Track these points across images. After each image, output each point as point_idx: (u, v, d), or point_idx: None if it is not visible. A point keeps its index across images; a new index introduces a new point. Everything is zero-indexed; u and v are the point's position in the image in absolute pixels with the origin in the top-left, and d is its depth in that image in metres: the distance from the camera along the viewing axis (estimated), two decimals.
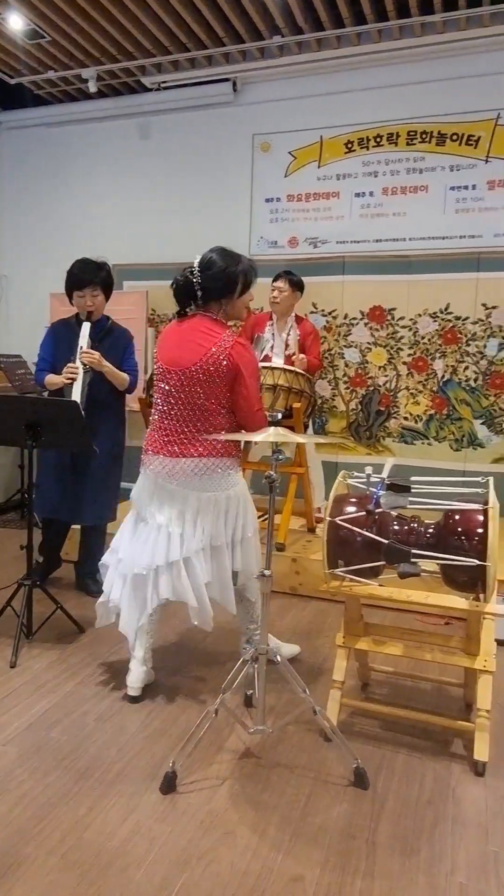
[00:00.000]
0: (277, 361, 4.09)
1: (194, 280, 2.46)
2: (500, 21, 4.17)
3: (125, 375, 3.41)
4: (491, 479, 2.29)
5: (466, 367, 4.50)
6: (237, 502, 2.54)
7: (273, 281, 4.14)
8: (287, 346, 4.12)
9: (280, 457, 2.15)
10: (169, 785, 2.05)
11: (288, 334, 4.13)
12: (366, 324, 4.69)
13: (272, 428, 2.15)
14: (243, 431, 2.52)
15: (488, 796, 2.07)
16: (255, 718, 2.18)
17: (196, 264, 2.48)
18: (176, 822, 1.92)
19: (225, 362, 2.41)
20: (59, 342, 3.40)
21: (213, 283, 2.45)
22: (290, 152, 4.97)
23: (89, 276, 3.30)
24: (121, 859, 1.78)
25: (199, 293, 2.47)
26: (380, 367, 4.70)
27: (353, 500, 2.33)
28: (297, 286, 4.14)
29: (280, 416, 2.18)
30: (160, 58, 4.82)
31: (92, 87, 5.02)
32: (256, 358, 2.57)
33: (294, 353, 4.07)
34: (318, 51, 4.62)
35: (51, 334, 3.49)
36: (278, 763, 2.21)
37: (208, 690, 2.65)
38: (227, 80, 4.97)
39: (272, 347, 4.15)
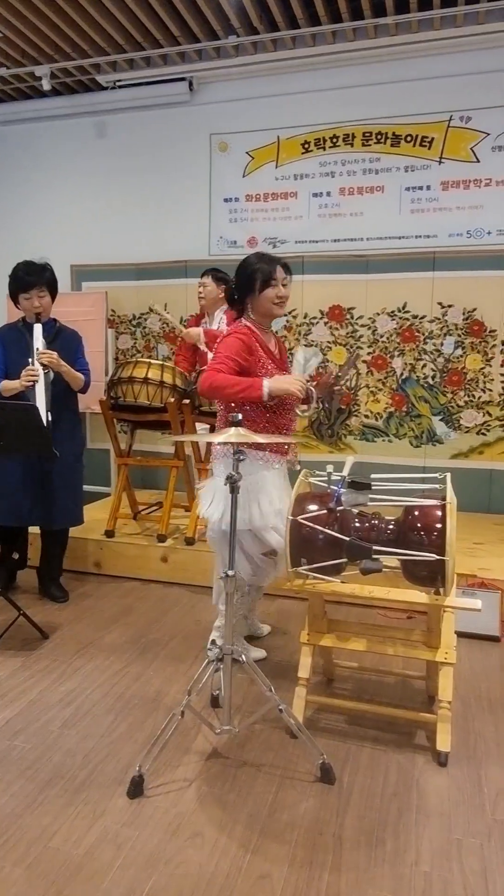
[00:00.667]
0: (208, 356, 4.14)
1: (232, 285, 2.73)
2: (450, 24, 4.26)
3: (81, 375, 3.40)
4: (448, 475, 2.33)
5: (424, 365, 4.57)
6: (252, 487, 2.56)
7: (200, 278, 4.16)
8: None
9: (241, 457, 2.15)
10: (136, 789, 2.04)
11: (218, 327, 4.18)
12: (325, 323, 4.73)
13: (233, 428, 2.16)
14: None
15: (451, 786, 2.11)
16: (222, 719, 2.18)
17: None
18: (143, 827, 1.91)
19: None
20: (9, 347, 3.35)
21: (238, 282, 2.69)
22: (247, 152, 4.98)
23: (35, 278, 3.27)
24: (88, 866, 1.77)
25: (235, 295, 2.71)
26: (340, 366, 4.74)
27: (315, 498, 2.35)
28: (222, 281, 4.17)
29: (240, 416, 2.19)
30: (115, 56, 4.78)
31: (45, 85, 4.95)
32: (231, 343, 2.58)
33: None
34: (274, 51, 4.64)
35: None
36: (245, 762, 2.21)
37: (174, 693, 2.64)
38: (183, 79, 4.96)
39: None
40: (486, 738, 2.36)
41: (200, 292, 4.14)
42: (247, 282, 2.63)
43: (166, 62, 4.92)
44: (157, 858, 1.80)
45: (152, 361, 3.87)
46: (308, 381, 2.70)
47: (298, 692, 2.39)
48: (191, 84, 4.98)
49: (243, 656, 2.16)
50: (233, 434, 2.16)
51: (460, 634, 2.91)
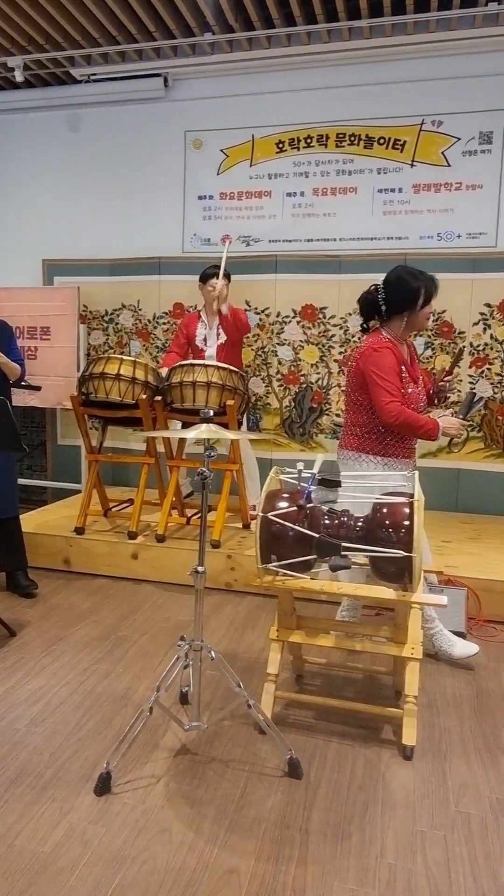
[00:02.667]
0: (211, 352, 4.16)
1: (379, 297, 2.76)
2: (423, 29, 4.30)
3: (17, 365, 3.42)
4: (416, 472, 2.36)
5: None
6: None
7: (209, 279, 4.16)
8: (219, 335, 4.19)
9: (212, 453, 2.16)
10: (103, 786, 2.03)
11: (219, 325, 4.19)
12: (298, 322, 4.76)
13: (204, 425, 2.16)
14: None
15: (416, 779, 2.14)
16: (191, 715, 2.19)
17: (381, 282, 2.79)
18: (111, 823, 1.90)
19: (354, 364, 2.80)
20: None
21: (397, 296, 2.72)
22: (222, 150, 4.98)
23: None
24: (53, 864, 1.76)
25: (384, 307, 2.75)
26: (312, 365, 4.77)
27: (285, 495, 2.37)
28: (227, 277, 4.19)
29: (212, 412, 2.19)
30: (90, 50, 4.74)
31: (18, 77, 4.88)
32: (388, 362, 2.71)
33: (226, 340, 4.19)
34: (249, 50, 4.65)
35: None
36: (214, 758, 2.22)
37: (143, 690, 2.63)
38: (158, 75, 4.94)
39: (205, 340, 4.20)
40: (450, 733, 2.40)
41: (213, 290, 4.11)
42: (409, 297, 2.71)
43: (141, 57, 4.89)
44: (123, 855, 1.79)
45: (124, 358, 3.85)
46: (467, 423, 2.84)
47: (267, 688, 2.40)
48: (166, 80, 4.97)
49: (212, 652, 2.17)
50: (204, 430, 2.16)
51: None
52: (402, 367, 2.76)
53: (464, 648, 2.86)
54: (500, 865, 1.80)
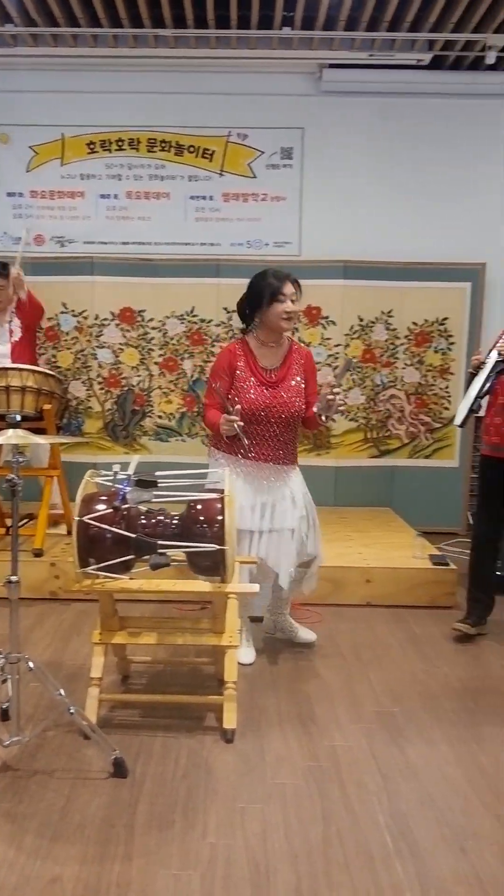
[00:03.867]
0: (5, 349, 4.01)
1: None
2: (225, 45, 4.48)
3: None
4: (228, 469, 2.48)
5: None
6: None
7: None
8: (12, 332, 4.07)
9: (21, 459, 2.11)
10: None
11: (10, 322, 4.06)
12: (117, 325, 4.74)
13: (10, 430, 2.11)
14: None
15: (237, 760, 2.26)
16: (11, 730, 2.12)
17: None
18: None
19: None
20: None
21: (249, 298, 2.84)
22: (31, 147, 4.81)
23: None
24: None
25: (246, 310, 2.87)
26: (133, 368, 4.78)
27: (102, 498, 2.38)
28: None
29: (18, 417, 2.14)
30: None
31: None
32: (219, 365, 2.86)
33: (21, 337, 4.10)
34: (55, 46, 4.54)
35: None
36: (37, 771, 2.17)
37: None
38: None
39: None
40: (268, 712, 2.55)
41: (5, 287, 3.97)
42: (255, 297, 2.79)
43: None
44: None
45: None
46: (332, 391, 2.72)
47: (91, 692, 2.39)
48: None
49: (31, 662, 2.12)
50: (11, 436, 2.11)
51: (253, 619, 3.12)
52: (239, 369, 2.82)
53: (305, 634, 3.13)
54: (311, 826, 1.96)
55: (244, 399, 2.80)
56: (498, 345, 3.00)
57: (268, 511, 2.84)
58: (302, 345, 3.10)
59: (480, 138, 4.81)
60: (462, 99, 4.76)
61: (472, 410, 2.97)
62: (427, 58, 4.48)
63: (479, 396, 2.94)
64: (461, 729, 2.47)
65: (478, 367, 3.04)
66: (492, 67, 4.51)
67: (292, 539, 2.81)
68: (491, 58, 4.34)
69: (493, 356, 2.97)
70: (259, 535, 2.83)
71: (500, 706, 2.64)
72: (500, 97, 4.77)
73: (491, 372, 2.93)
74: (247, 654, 2.92)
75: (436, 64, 4.61)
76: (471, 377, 3.07)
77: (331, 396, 2.68)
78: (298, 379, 2.88)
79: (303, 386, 2.88)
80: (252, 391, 2.81)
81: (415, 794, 2.10)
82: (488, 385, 2.94)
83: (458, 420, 3.03)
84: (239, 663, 2.71)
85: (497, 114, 4.79)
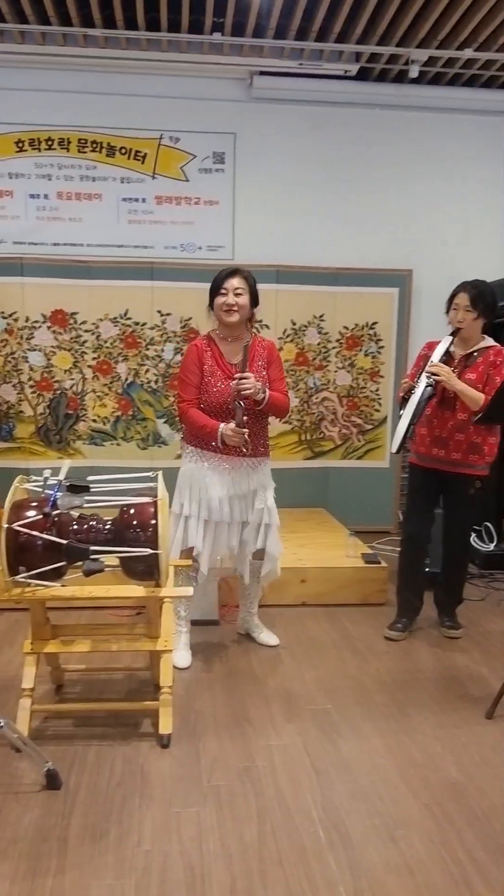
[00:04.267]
0: None
1: None
2: (156, 48, 4.47)
3: None
4: (161, 472, 2.47)
5: (147, 370, 4.74)
6: (181, 478, 2.97)
7: None
8: None
9: None
10: None
11: None
12: (49, 327, 4.65)
13: None
14: None
15: (173, 764, 2.25)
16: None
17: None
18: None
19: None
20: None
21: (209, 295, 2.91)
22: None
23: None
24: None
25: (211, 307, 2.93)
26: (65, 371, 4.70)
27: (32, 504, 2.33)
28: None
29: None
30: None
31: None
32: (189, 360, 2.91)
33: None
34: None
35: None
36: None
37: None
38: None
39: None
40: (204, 715, 2.55)
41: None
42: (210, 293, 2.87)
43: None
44: None
45: None
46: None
47: (22, 704, 2.33)
48: None
49: None
50: None
51: (195, 623, 3.12)
52: (207, 363, 2.87)
53: (267, 637, 3.20)
54: (246, 826, 1.97)
55: (211, 392, 2.86)
56: (426, 369, 2.99)
57: (240, 503, 2.93)
58: (265, 337, 3.15)
59: (407, 149, 4.97)
60: (388, 111, 4.91)
61: (406, 437, 3.02)
62: (354, 69, 4.60)
63: (411, 423, 2.98)
64: (391, 722, 2.54)
65: (409, 391, 3.03)
66: (415, 81, 4.67)
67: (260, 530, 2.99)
68: (414, 71, 4.49)
69: (423, 381, 2.97)
70: (231, 526, 2.93)
71: (429, 698, 2.73)
72: (425, 109, 4.94)
73: (422, 398, 2.95)
74: (183, 658, 2.91)
75: (362, 75, 4.73)
76: (403, 401, 3.05)
77: (234, 383, 2.82)
78: (265, 373, 2.94)
79: (264, 373, 2.93)
80: (220, 384, 2.87)
81: (347, 787, 2.15)
82: (420, 412, 2.97)
83: (395, 447, 3.06)
84: (175, 667, 2.71)
85: (422, 126, 4.96)
